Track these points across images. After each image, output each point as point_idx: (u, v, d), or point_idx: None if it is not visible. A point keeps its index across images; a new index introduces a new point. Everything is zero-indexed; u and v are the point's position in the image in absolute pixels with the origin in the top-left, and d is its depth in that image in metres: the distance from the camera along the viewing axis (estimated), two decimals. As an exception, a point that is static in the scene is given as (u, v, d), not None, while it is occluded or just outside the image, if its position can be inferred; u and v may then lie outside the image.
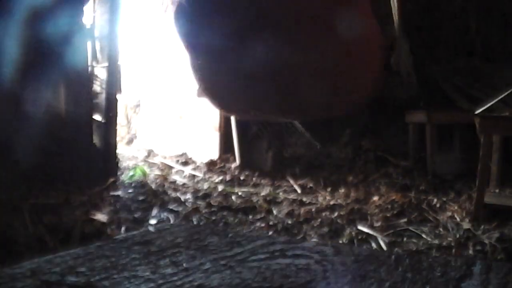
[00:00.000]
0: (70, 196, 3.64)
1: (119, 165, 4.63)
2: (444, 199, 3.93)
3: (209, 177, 4.63)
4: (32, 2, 3.63)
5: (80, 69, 4.16)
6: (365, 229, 3.35)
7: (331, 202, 3.89)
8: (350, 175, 4.49)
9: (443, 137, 4.70)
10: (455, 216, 3.59)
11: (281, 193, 4.18)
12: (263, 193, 4.15)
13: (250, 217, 3.63)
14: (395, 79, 4.84)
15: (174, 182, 4.50)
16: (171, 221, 3.49)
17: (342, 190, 4.17)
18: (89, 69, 4.31)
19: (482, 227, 3.31)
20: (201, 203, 3.89)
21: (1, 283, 0.90)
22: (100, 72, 4.32)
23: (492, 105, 3.69)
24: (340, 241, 3.17)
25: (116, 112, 4.46)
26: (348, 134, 4.86)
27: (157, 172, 4.82)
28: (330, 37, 2.09)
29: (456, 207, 3.74)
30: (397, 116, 4.85)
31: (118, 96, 4.50)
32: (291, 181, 4.46)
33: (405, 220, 3.53)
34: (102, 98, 4.31)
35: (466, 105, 4.72)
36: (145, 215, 3.59)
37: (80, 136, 4.13)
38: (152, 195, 4.00)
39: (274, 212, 3.71)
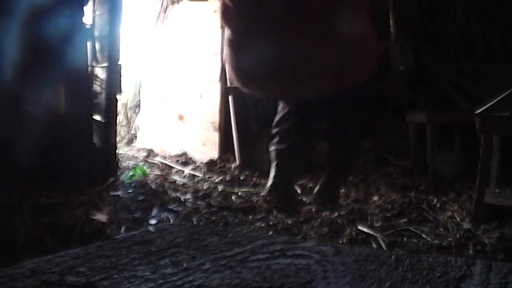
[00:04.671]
0: (70, 196, 3.63)
1: (119, 165, 4.63)
2: (444, 199, 3.94)
3: (209, 177, 4.62)
4: (32, 2, 3.63)
5: (80, 69, 4.16)
6: (365, 229, 3.35)
7: (331, 202, 3.88)
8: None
9: (443, 137, 4.70)
10: (455, 216, 3.59)
11: (281, 193, 4.18)
12: (263, 193, 4.15)
13: (250, 217, 3.63)
14: (395, 79, 4.85)
15: (174, 182, 4.49)
16: (171, 221, 3.48)
17: (342, 190, 4.17)
18: (89, 69, 4.31)
19: (482, 227, 3.31)
20: (201, 203, 3.89)
21: (1, 283, 0.90)
22: (100, 72, 4.32)
23: (492, 105, 3.69)
24: (340, 241, 3.17)
25: (116, 112, 4.46)
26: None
27: (157, 172, 4.81)
28: (332, 28, 2.59)
29: (456, 207, 3.74)
30: (397, 116, 4.85)
31: (118, 96, 4.50)
32: (291, 181, 4.46)
33: (405, 220, 3.53)
34: (102, 98, 4.31)
35: (466, 105, 4.73)
36: (145, 215, 3.58)
37: (80, 136, 4.13)
38: (152, 195, 4.00)
39: (274, 212, 3.71)
